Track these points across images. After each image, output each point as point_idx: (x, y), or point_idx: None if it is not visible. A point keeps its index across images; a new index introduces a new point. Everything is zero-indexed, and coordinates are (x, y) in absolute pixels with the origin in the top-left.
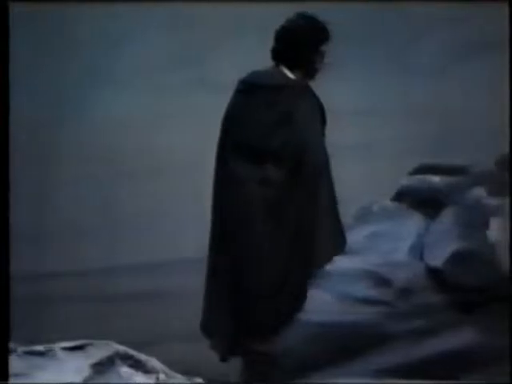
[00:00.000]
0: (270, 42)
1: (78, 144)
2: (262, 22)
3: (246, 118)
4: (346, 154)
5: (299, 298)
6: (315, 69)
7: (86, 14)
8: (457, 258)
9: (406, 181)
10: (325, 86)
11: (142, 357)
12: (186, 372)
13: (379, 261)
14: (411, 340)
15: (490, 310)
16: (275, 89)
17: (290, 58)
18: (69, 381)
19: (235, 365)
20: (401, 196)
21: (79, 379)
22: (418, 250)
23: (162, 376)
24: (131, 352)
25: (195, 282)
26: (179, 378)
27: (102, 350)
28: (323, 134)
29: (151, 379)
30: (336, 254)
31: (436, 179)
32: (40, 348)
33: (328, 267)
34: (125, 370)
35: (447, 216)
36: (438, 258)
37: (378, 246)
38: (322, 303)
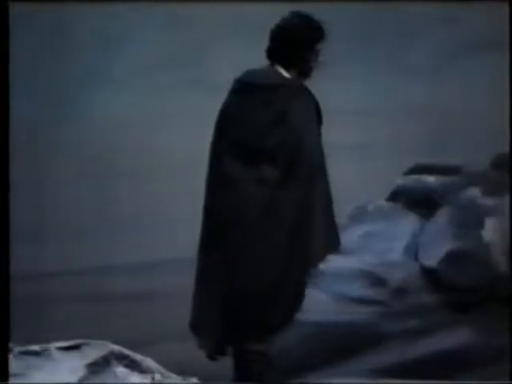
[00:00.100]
0: None
1: (76, 144)
2: (261, 21)
3: (241, 118)
4: (341, 154)
5: (296, 298)
6: (310, 67)
7: (85, 14)
8: (451, 257)
9: (401, 181)
10: (322, 86)
11: (138, 357)
12: (182, 372)
13: (374, 261)
14: (406, 340)
15: (484, 309)
16: (271, 88)
17: (285, 57)
18: (64, 381)
19: (231, 365)
20: (396, 196)
21: (74, 379)
22: (413, 250)
23: (157, 376)
24: (127, 352)
25: (191, 282)
26: (175, 377)
27: (97, 349)
28: (319, 134)
29: (147, 379)
30: (329, 254)
31: (431, 179)
32: (35, 348)
33: (323, 267)
34: (120, 370)
35: (442, 216)
36: (432, 257)
37: (373, 246)
38: (317, 303)
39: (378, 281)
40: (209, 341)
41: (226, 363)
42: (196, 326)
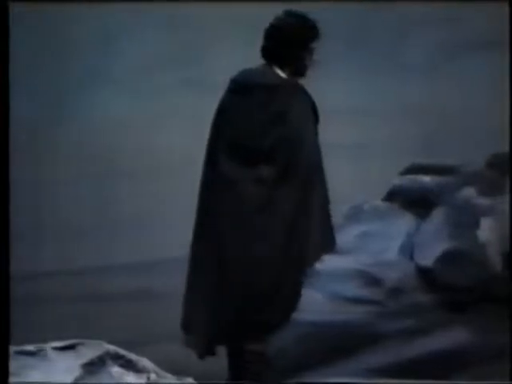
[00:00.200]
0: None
1: (76, 144)
2: (260, 21)
3: (238, 118)
4: (337, 154)
5: (292, 297)
6: (305, 66)
7: (85, 14)
8: (447, 257)
9: (397, 180)
10: (318, 85)
11: (133, 356)
12: (177, 372)
13: (370, 260)
14: (402, 339)
15: (479, 309)
16: (268, 88)
17: (280, 56)
18: (59, 381)
19: (226, 365)
20: (392, 196)
21: (70, 379)
22: (409, 250)
23: (152, 376)
24: (122, 352)
25: None
26: (170, 377)
27: (92, 349)
28: (316, 134)
29: (142, 379)
30: (325, 253)
31: (427, 179)
32: (31, 348)
33: (319, 266)
34: (116, 370)
35: (438, 216)
36: (428, 257)
37: (368, 246)
38: (313, 302)
39: (373, 280)
40: (200, 340)
41: (222, 363)
42: (187, 326)
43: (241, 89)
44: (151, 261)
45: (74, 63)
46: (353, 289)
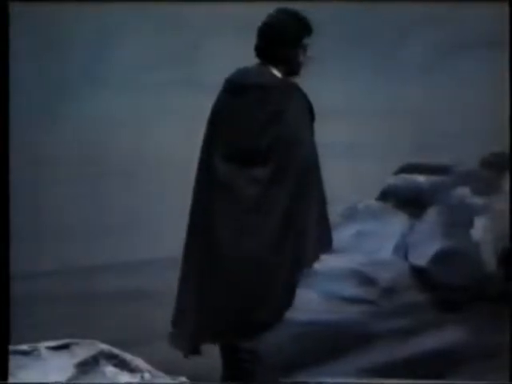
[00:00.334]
0: None
1: (75, 144)
2: (254, 20)
3: (233, 118)
4: (331, 153)
5: (287, 297)
6: (299, 63)
7: (85, 14)
8: (441, 257)
9: (391, 180)
10: (312, 85)
11: (127, 356)
12: (171, 371)
13: (364, 260)
14: (396, 339)
15: (474, 308)
16: (264, 88)
17: (274, 54)
18: (53, 380)
19: (220, 364)
20: (386, 195)
21: (64, 379)
22: (403, 249)
23: (146, 375)
24: (116, 351)
25: None
26: (164, 377)
27: (86, 349)
28: (312, 133)
29: (136, 378)
30: (323, 253)
31: (421, 178)
32: (25, 347)
33: (315, 266)
34: (109, 370)
35: (432, 215)
36: (422, 257)
37: (362, 245)
38: (307, 302)
39: (367, 280)
40: (184, 338)
41: (215, 363)
42: (176, 323)
43: (236, 89)
44: (146, 260)
45: (70, 63)
46: (347, 288)
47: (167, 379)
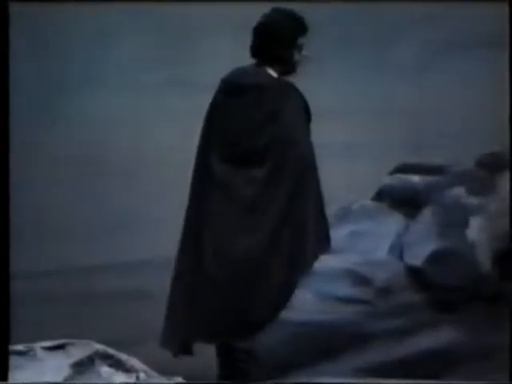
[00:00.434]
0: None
1: (75, 144)
2: (250, 20)
3: (230, 118)
4: (326, 153)
5: (284, 297)
6: (294, 62)
7: (84, 14)
8: (436, 257)
9: (386, 180)
10: (308, 85)
11: (122, 356)
12: (167, 371)
13: (359, 260)
14: (392, 339)
15: (469, 308)
16: (260, 88)
17: (269, 53)
18: (49, 380)
19: (216, 364)
20: (381, 195)
21: (59, 379)
22: (398, 250)
23: (142, 375)
24: (111, 351)
25: None
26: (159, 377)
27: (82, 349)
28: (309, 133)
29: (131, 378)
30: (322, 253)
31: (416, 178)
32: (20, 347)
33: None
34: (105, 370)
35: (427, 215)
36: (417, 257)
37: (358, 245)
38: (302, 302)
39: (363, 280)
40: (175, 338)
41: (211, 362)
42: (168, 324)
43: (232, 89)
44: (144, 260)
45: (70, 63)
46: (342, 288)
47: (163, 379)
